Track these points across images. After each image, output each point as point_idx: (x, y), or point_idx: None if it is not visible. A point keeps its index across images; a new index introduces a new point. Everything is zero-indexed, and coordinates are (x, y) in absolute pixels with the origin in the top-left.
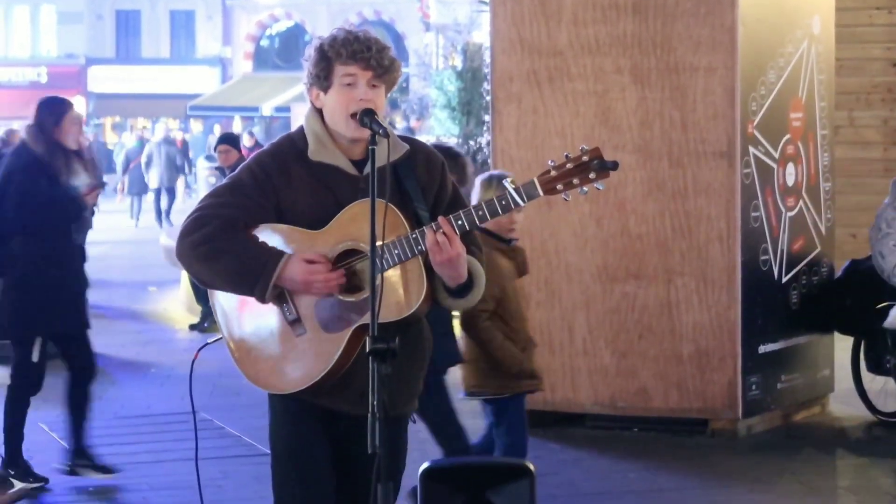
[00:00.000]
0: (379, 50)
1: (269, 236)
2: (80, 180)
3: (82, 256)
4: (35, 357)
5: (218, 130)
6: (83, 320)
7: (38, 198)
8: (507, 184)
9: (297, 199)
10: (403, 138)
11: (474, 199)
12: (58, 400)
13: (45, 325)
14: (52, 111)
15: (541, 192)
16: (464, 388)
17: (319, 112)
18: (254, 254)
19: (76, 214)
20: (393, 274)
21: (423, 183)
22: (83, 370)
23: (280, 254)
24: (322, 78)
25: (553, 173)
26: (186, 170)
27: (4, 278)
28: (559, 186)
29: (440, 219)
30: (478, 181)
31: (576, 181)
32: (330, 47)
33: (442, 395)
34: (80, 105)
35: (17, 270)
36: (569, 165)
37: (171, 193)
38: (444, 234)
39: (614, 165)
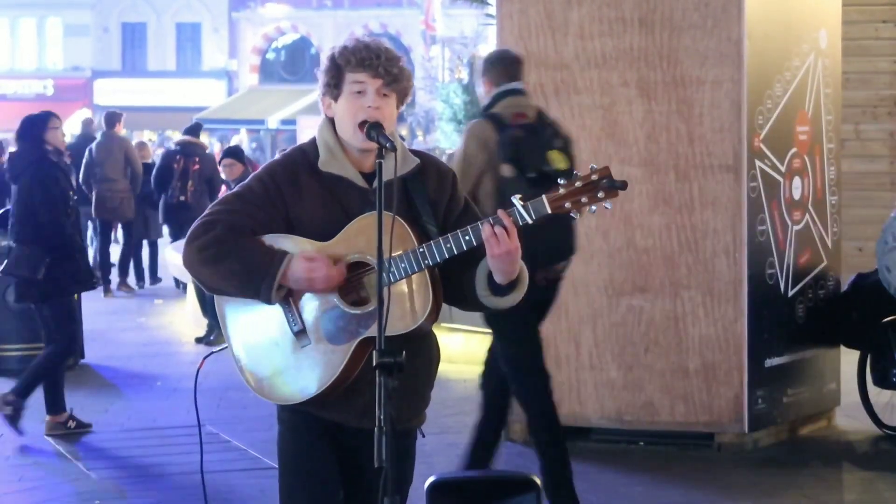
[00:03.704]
0: (388, 59)
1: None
2: None
3: None
4: None
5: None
6: None
7: None
8: (516, 200)
9: (306, 210)
10: (414, 152)
11: None
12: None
13: None
14: None
15: (548, 209)
16: None
17: (332, 122)
18: (259, 255)
19: None
20: (399, 287)
21: (434, 198)
22: None
23: (284, 253)
24: (333, 86)
25: (562, 191)
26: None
27: None
28: (567, 205)
29: (500, 211)
30: None
31: (584, 199)
32: (340, 55)
33: None
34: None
35: None
36: (578, 184)
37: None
38: (502, 226)
39: (623, 185)
